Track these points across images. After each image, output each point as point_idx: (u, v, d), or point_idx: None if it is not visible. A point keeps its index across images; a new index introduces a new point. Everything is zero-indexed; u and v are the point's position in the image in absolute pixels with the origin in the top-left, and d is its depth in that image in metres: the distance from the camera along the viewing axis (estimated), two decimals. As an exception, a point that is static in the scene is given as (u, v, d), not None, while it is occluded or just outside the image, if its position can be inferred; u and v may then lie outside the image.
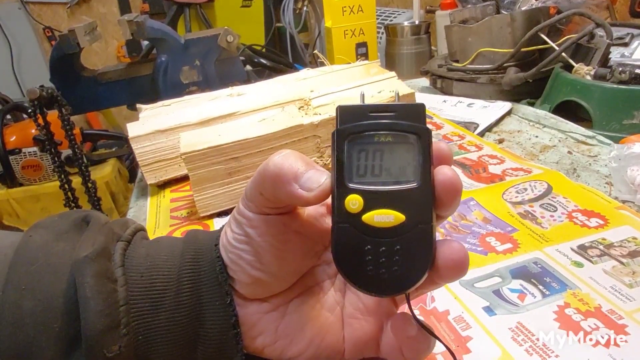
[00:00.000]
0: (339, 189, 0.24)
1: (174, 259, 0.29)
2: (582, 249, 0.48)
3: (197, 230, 0.31)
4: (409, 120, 0.24)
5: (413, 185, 0.24)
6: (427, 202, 0.24)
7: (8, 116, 1.65)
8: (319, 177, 0.24)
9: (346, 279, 0.24)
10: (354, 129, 0.24)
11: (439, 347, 0.39)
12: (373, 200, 0.24)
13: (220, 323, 0.28)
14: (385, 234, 0.23)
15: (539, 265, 0.47)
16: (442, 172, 0.24)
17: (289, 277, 0.29)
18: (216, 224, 0.62)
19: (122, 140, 1.85)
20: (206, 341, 0.28)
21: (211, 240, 0.29)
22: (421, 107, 0.25)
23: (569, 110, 0.82)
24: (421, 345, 0.27)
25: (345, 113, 0.25)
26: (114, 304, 0.26)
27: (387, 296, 0.26)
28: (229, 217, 0.29)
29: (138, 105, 0.82)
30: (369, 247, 0.23)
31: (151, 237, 0.68)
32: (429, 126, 0.26)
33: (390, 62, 1.37)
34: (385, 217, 0.23)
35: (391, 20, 1.54)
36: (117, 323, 0.26)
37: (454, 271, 0.25)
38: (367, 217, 0.23)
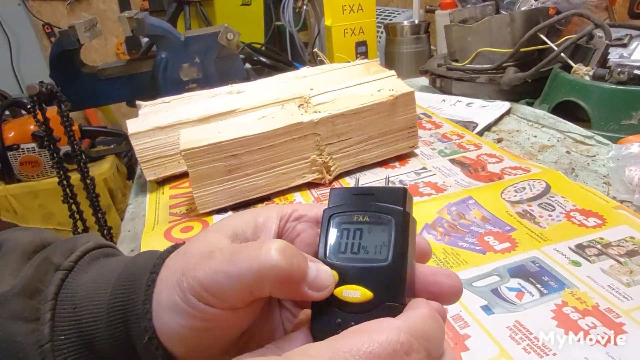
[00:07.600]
0: None
1: (107, 286, 0.26)
2: (580, 248, 0.49)
3: (143, 253, 0.29)
4: (387, 202, 0.25)
5: (384, 264, 0.24)
6: (396, 281, 0.24)
7: (6, 112, 1.65)
8: (326, 278, 0.24)
9: None
10: (337, 209, 0.27)
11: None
12: (346, 276, 0.25)
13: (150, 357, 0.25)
14: (354, 309, 0.24)
15: (537, 264, 0.47)
16: (443, 281, 0.25)
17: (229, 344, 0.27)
18: (215, 220, 0.62)
19: (120, 137, 1.84)
20: None
21: (147, 267, 0.26)
22: (401, 191, 0.26)
23: (568, 110, 0.82)
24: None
25: (334, 194, 0.27)
26: (31, 345, 0.24)
27: None
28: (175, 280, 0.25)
29: (138, 102, 0.82)
30: (339, 320, 0.24)
31: (150, 232, 0.66)
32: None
33: (389, 61, 1.37)
34: (353, 292, 0.24)
35: (391, 20, 1.54)
36: None
37: None
38: (338, 292, 0.24)
